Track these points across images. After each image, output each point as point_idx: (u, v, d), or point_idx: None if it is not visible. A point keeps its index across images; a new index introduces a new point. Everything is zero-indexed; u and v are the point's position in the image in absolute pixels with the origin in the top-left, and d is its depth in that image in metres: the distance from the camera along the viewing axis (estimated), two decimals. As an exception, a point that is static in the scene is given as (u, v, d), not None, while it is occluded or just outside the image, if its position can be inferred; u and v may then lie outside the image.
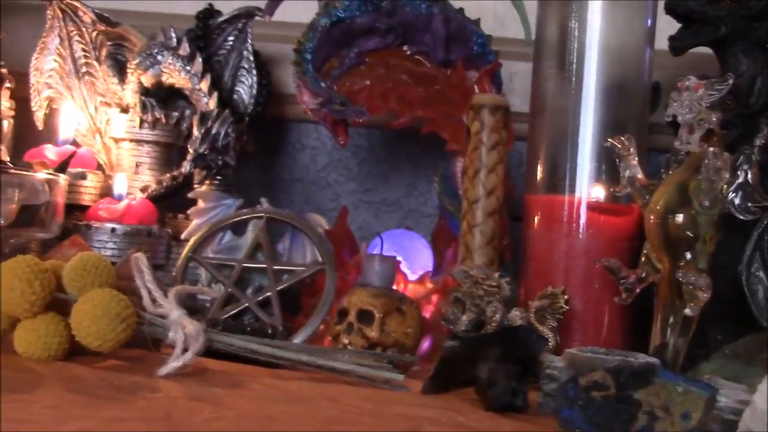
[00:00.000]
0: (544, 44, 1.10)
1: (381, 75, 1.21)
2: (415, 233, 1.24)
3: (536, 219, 1.07)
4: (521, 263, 1.10)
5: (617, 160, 0.97)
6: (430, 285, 1.14)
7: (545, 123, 1.08)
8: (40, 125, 1.34)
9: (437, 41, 1.21)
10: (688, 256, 0.90)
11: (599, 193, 1.04)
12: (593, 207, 1.04)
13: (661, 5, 1.10)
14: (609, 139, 0.98)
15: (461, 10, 1.23)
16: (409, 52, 1.23)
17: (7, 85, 1.35)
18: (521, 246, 1.10)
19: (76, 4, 1.30)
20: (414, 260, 1.19)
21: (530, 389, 0.82)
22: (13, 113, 1.35)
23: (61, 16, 1.31)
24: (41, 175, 1.10)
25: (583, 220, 1.03)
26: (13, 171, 1.09)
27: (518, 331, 0.91)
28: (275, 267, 1.13)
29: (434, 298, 1.12)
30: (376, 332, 0.97)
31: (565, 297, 0.98)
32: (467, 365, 0.84)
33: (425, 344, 1.07)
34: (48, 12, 1.32)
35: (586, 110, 1.05)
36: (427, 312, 1.10)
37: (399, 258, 1.11)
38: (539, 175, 1.08)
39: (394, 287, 1.06)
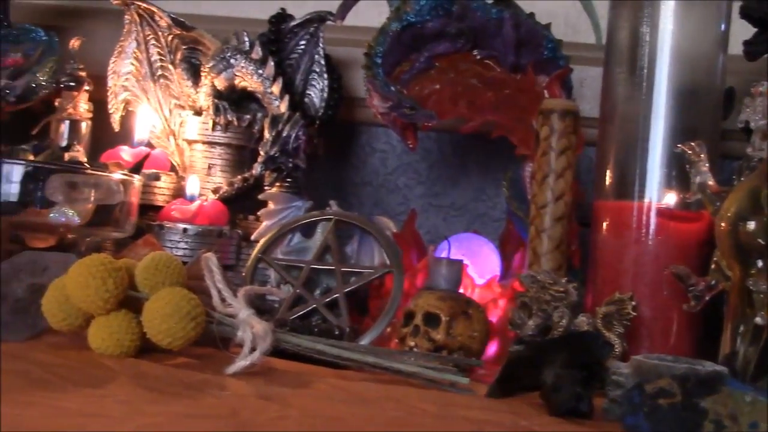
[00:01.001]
0: (614, 49, 1.09)
1: (451, 79, 1.22)
2: (483, 237, 1.24)
3: (605, 225, 1.07)
4: (589, 269, 1.09)
5: (688, 166, 0.96)
6: (497, 289, 1.14)
7: (615, 129, 1.08)
8: (116, 127, 1.37)
9: (507, 46, 1.21)
10: (760, 264, 0.88)
11: (669, 199, 1.03)
12: (663, 213, 1.03)
13: (735, 9, 1.09)
14: (679, 145, 0.97)
15: (532, 14, 1.23)
16: (479, 57, 1.23)
17: (86, 87, 1.38)
18: (589, 252, 1.10)
19: (153, 8, 1.33)
20: (482, 264, 1.19)
21: (596, 395, 0.82)
22: (91, 115, 1.39)
23: (138, 20, 1.34)
24: (117, 175, 1.13)
25: (652, 227, 1.03)
26: (89, 172, 1.12)
27: (584, 337, 0.90)
28: (343, 269, 1.14)
29: (501, 302, 1.12)
30: (442, 335, 0.98)
31: (633, 303, 0.97)
32: (533, 370, 0.84)
33: (492, 348, 1.07)
34: (126, 17, 1.35)
35: (656, 116, 1.04)
36: (495, 316, 1.10)
37: (466, 262, 1.11)
38: (608, 180, 1.07)
39: (461, 291, 1.06)
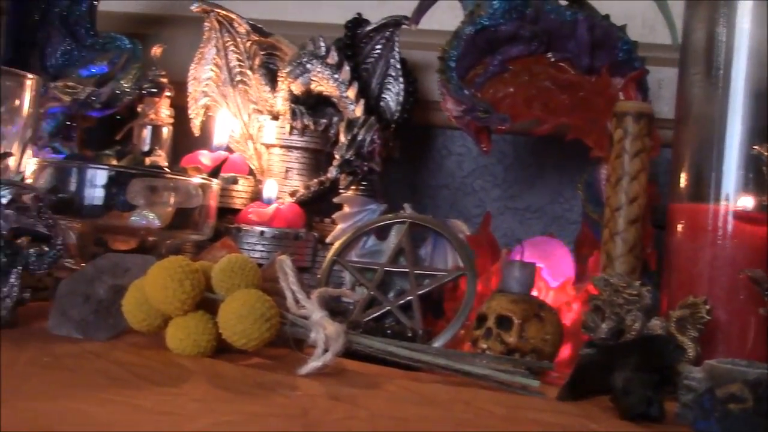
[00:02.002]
0: (690, 49, 1.08)
1: (525, 82, 1.22)
2: (557, 240, 1.23)
3: (680, 228, 1.06)
4: (664, 272, 1.08)
5: (765, 168, 0.95)
6: (571, 292, 1.14)
7: (690, 130, 1.07)
8: (196, 132, 1.40)
9: (582, 48, 1.21)
10: (838, 267, 0.87)
11: (746, 202, 1.01)
12: (739, 216, 1.01)
13: (815, 8, 1.07)
14: (756, 147, 0.96)
15: (607, 16, 1.22)
16: (553, 59, 1.22)
17: (167, 93, 1.42)
18: (664, 255, 1.09)
19: (232, 15, 1.35)
20: (556, 267, 1.18)
21: (668, 400, 0.81)
22: (172, 120, 1.42)
23: (217, 27, 1.37)
24: (196, 179, 1.16)
25: (728, 230, 1.01)
26: (170, 176, 1.15)
27: (656, 340, 0.90)
28: (417, 271, 1.14)
29: (575, 305, 1.12)
30: (514, 338, 0.98)
31: (707, 307, 0.96)
32: (604, 373, 0.83)
33: (565, 351, 1.07)
34: (206, 24, 1.38)
35: (733, 117, 1.03)
36: (568, 319, 1.10)
37: (540, 265, 1.11)
38: (683, 183, 1.06)
39: (535, 294, 1.06)
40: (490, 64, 1.22)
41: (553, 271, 1.18)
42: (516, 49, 1.22)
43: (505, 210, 1.44)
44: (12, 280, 0.94)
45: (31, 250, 0.95)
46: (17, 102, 1.21)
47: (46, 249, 0.96)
